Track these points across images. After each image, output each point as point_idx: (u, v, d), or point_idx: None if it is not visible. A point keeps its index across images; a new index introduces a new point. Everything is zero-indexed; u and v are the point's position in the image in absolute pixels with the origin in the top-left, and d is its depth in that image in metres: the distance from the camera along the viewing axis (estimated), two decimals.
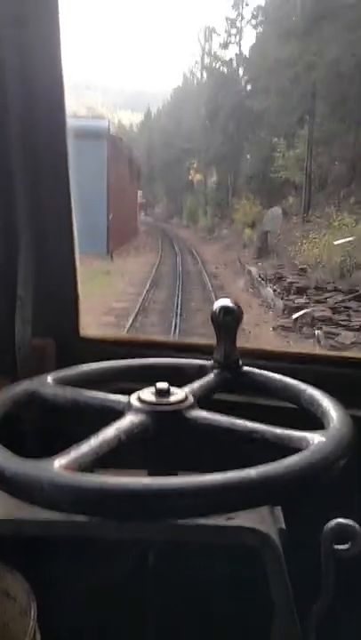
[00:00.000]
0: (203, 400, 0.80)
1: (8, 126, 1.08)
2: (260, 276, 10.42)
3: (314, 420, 0.77)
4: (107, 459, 0.67)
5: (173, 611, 1.09)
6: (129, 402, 0.76)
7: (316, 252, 9.23)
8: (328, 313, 7.02)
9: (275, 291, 8.96)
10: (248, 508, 0.64)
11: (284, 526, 0.92)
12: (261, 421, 0.74)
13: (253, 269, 11.32)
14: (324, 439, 0.68)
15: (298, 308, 7.56)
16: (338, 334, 5.96)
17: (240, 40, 20.71)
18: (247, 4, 21.32)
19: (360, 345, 5.52)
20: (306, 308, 7.46)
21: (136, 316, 7.86)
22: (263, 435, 0.72)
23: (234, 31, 21.12)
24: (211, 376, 0.88)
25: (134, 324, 7.44)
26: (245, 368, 0.91)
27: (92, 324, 7.28)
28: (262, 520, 0.89)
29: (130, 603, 1.09)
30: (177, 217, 29.66)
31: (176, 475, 0.73)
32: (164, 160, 28.87)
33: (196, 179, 26.17)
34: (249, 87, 18.13)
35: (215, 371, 0.89)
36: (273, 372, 0.91)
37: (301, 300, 7.92)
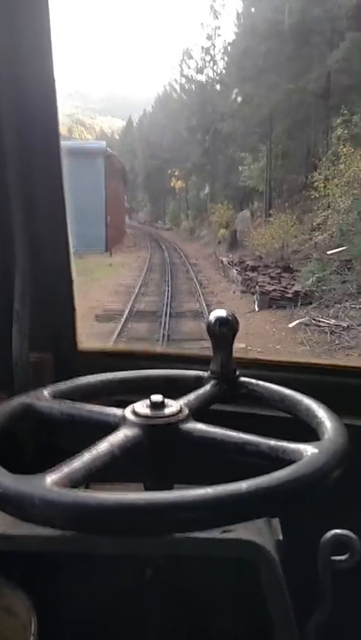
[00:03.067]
0: (199, 411, 0.83)
1: (2, 141, 1.11)
2: (228, 263, 14.67)
3: (310, 431, 0.79)
4: (100, 474, 0.69)
5: (172, 624, 1.09)
6: (123, 415, 0.78)
7: (263, 241, 13.60)
8: (268, 279, 11.31)
9: (237, 270, 13.21)
10: (240, 521, 0.66)
11: (281, 538, 0.96)
12: (259, 432, 0.75)
13: (225, 259, 15.54)
14: (317, 451, 0.69)
15: (250, 279, 11.82)
16: (270, 289, 10.30)
17: (214, 66, 24.95)
18: (219, 35, 25.77)
19: (278, 290, 9.83)
20: (255, 279, 11.73)
21: (140, 286, 12.05)
22: (257, 446, 0.73)
23: (208, 58, 25.54)
24: (207, 387, 0.91)
25: (140, 290, 11.63)
26: (242, 379, 0.94)
27: (110, 292, 11.58)
28: (259, 532, 0.92)
29: (129, 616, 1.11)
30: (161, 220, 33.72)
31: (172, 487, 0.79)
32: (148, 168, 32.80)
33: (178, 186, 30.33)
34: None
35: (212, 382, 0.92)
36: (270, 382, 0.93)
37: (253, 274, 12.17)
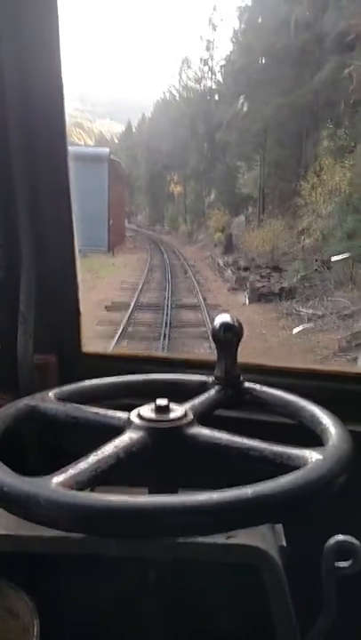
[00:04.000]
0: (203, 416, 0.84)
1: (8, 142, 1.14)
2: (223, 264, 16.21)
3: (314, 437, 0.80)
4: (105, 476, 0.71)
5: (175, 627, 1.11)
6: (129, 419, 0.81)
7: (255, 243, 15.19)
8: (258, 278, 12.85)
9: (232, 271, 14.74)
10: (244, 526, 0.67)
11: (285, 543, 0.99)
12: (263, 437, 0.77)
13: (220, 260, 17.07)
14: (321, 457, 0.70)
15: (243, 278, 13.35)
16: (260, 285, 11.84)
17: (212, 76, 26.54)
18: (217, 47, 27.38)
19: (266, 286, 11.38)
20: (247, 277, 13.25)
21: (143, 284, 13.55)
22: (262, 452, 0.75)
23: (206, 69, 27.13)
24: (212, 392, 0.93)
25: (143, 287, 13.13)
26: (246, 384, 0.96)
27: (116, 288, 13.16)
28: (263, 538, 0.94)
29: (132, 619, 1.12)
30: (159, 224, 35.11)
31: (176, 491, 0.80)
32: (148, 173, 34.21)
33: (177, 191, 31.82)
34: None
35: (216, 387, 0.94)
36: (274, 387, 0.95)
37: (246, 274, 13.70)
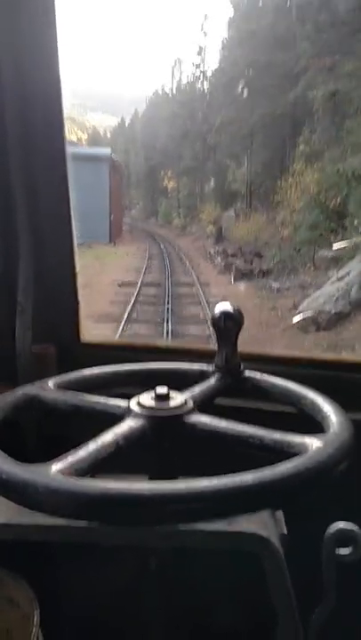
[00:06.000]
0: (204, 405, 0.89)
1: (6, 136, 1.19)
2: (214, 252, 19.40)
3: (315, 425, 0.85)
4: (105, 464, 0.74)
5: (176, 616, 1.14)
6: (128, 406, 0.85)
7: (242, 234, 18.43)
8: (242, 262, 16.05)
9: (221, 257, 17.92)
10: (244, 512, 0.72)
11: (285, 531, 1.01)
12: (263, 426, 0.81)
13: (211, 249, 20.24)
14: (321, 444, 0.74)
15: (230, 263, 16.54)
16: (243, 267, 15.07)
17: (203, 80, 29.50)
18: (209, 53, 30.35)
19: (248, 269, 14.60)
20: (234, 262, 16.45)
21: (146, 268, 16.71)
22: (262, 439, 0.79)
23: (198, 72, 30.04)
24: (212, 381, 0.98)
25: (146, 270, 16.27)
26: (247, 372, 1.00)
27: (123, 271, 16.51)
28: (263, 525, 0.96)
29: (133, 608, 1.17)
30: (153, 218, 37.72)
31: (176, 479, 0.82)
32: (142, 169, 36.89)
33: (170, 185, 34.54)
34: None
35: (216, 375, 0.99)
36: (275, 375, 0.99)
37: (232, 259, 16.89)
